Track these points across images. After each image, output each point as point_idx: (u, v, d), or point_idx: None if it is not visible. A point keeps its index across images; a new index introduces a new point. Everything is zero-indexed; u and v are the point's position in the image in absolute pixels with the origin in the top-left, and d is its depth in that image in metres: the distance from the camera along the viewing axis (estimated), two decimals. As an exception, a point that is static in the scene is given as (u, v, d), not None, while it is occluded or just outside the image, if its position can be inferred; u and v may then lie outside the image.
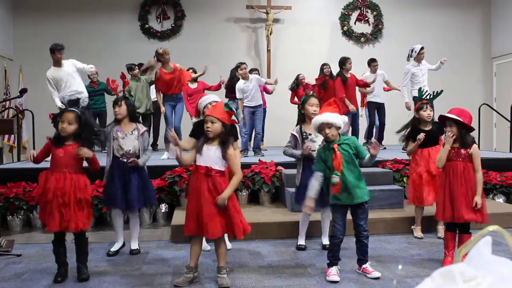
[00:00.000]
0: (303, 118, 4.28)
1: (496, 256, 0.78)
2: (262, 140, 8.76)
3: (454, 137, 3.63)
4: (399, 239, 4.72)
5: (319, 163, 3.61)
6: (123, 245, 4.36)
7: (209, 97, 4.23)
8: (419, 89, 4.84)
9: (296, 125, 4.36)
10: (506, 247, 3.66)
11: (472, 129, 3.69)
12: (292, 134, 4.27)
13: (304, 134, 4.21)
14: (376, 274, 3.58)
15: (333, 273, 3.54)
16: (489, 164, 6.27)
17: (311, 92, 6.18)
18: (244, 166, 5.85)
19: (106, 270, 3.84)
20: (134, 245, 4.33)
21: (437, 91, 4.77)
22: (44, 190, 3.43)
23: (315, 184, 3.58)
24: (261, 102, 7.48)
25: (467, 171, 3.65)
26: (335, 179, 3.46)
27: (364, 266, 3.64)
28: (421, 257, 4.09)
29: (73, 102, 6.81)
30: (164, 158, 6.70)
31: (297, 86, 8.86)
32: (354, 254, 3.75)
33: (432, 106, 4.60)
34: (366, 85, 8.03)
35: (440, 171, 3.86)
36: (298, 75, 8.88)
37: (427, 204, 4.59)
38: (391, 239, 4.72)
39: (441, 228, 4.65)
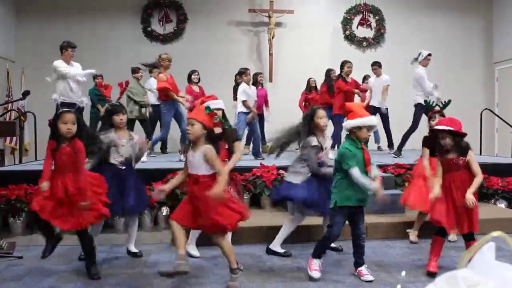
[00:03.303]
0: (310, 129, 4.13)
1: (499, 262, 0.78)
2: (265, 144, 8.80)
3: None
4: (400, 243, 4.72)
5: (353, 159, 3.59)
6: None
7: (214, 102, 4.14)
8: (425, 101, 4.86)
9: (307, 136, 4.14)
10: (508, 252, 3.63)
11: (465, 135, 3.68)
12: (315, 145, 4.09)
13: (320, 145, 4.12)
14: (369, 277, 3.62)
15: (315, 268, 3.66)
16: (490, 169, 6.25)
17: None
18: (246, 169, 5.86)
19: (107, 272, 3.84)
20: (134, 248, 4.32)
21: (445, 101, 4.80)
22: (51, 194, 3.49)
23: (365, 178, 3.58)
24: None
25: (466, 181, 3.65)
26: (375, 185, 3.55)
27: (359, 268, 3.69)
28: (423, 262, 4.07)
29: (78, 107, 6.79)
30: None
31: (309, 90, 9.09)
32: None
33: (442, 116, 4.60)
34: (364, 91, 8.29)
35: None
36: (309, 79, 8.99)
37: (409, 206, 4.69)
38: (392, 244, 4.72)
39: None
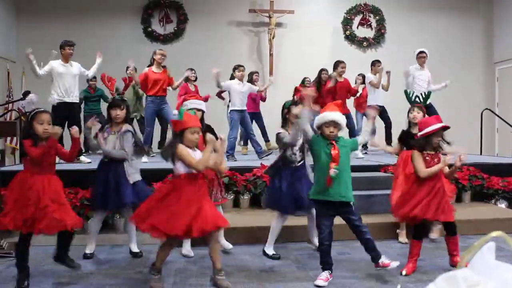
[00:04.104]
0: (285, 122, 4.23)
1: (500, 262, 0.78)
2: (268, 141, 8.76)
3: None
4: (401, 244, 4.71)
5: (317, 144, 3.60)
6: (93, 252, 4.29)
7: (194, 102, 4.21)
8: (405, 91, 4.81)
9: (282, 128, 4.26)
10: (508, 252, 3.62)
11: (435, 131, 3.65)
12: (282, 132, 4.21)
13: None
14: (395, 264, 3.55)
15: (321, 277, 3.51)
16: (491, 169, 6.26)
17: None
18: (246, 169, 5.86)
19: (107, 272, 3.84)
20: (135, 248, 4.33)
21: (425, 93, 4.77)
22: (22, 193, 3.44)
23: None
24: (246, 108, 7.46)
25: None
26: (334, 171, 3.45)
27: (380, 261, 3.57)
28: (423, 262, 4.07)
29: (76, 105, 6.81)
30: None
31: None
32: (361, 259, 3.74)
33: (421, 109, 4.59)
34: (355, 93, 8.18)
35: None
36: (304, 78, 8.94)
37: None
38: (393, 244, 4.71)
39: (436, 230, 4.72)
